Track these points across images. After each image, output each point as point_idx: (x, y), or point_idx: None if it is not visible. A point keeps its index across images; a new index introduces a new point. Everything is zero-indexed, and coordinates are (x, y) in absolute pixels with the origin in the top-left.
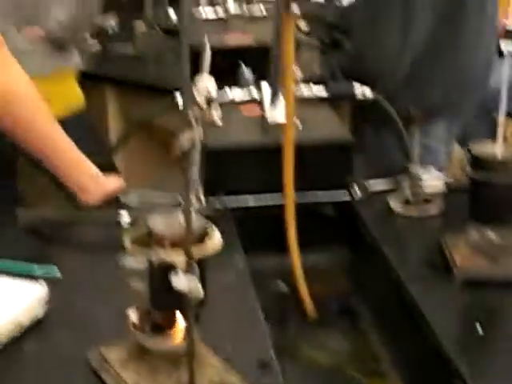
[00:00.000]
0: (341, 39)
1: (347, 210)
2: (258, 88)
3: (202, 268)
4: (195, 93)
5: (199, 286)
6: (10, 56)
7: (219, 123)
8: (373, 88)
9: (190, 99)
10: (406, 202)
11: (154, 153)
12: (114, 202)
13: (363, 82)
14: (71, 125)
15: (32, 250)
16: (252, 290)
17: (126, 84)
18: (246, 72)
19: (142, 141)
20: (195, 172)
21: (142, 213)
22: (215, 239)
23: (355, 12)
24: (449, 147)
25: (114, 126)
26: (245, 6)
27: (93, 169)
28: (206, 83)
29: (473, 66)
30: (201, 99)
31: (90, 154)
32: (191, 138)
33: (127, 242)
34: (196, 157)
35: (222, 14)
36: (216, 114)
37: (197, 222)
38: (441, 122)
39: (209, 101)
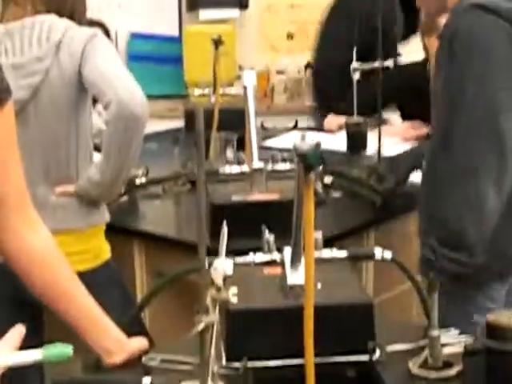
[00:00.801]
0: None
1: (367, 371)
2: (280, 250)
3: None
4: (212, 273)
5: None
6: (36, 216)
7: (234, 301)
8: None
9: (206, 280)
10: (425, 364)
11: (182, 307)
12: (137, 363)
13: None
14: (99, 276)
15: None
16: None
17: (154, 237)
18: (269, 238)
19: (170, 295)
20: (212, 353)
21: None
22: None
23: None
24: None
25: (141, 278)
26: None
27: (116, 332)
28: (223, 264)
29: None
30: (218, 280)
31: (116, 310)
32: (208, 322)
33: None
34: (212, 340)
35: (246, 168)
36: (231, 293)
37: None
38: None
39: (225, 278)
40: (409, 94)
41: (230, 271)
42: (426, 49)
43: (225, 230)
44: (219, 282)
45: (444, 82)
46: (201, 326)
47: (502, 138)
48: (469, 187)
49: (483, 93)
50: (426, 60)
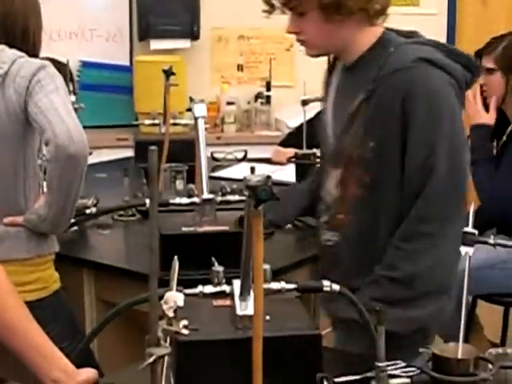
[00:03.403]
0: None
1: None
2: (229, 282)
3: None
4: (163, 305)
5: None
6: None
7: (185, 333)
8: None
9: (155, 316)
10: None
11: (130, 337)
12: None
13: None
14: (48, 307)
15: None
16: None
17: (103, 267)
18: (218, 270)
19: (119, 325)
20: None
21: None
22: None
23: None
24: None
25: (90, 308)
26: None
27: (65, 362)
28: (174, 296)
29: None
30: (169, 312)
31: (64, 340)
32: (160, 354)
33: None
34: (163, 372)
35: (195, 199)
36: (181, 325)
37: None
38: None
39: (175, 311)
40: None
41: (181, 303)
42: None
43: (176, 262)
44: (170, 314)
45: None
46: (152, 358)
47: None
48: None
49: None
50: None
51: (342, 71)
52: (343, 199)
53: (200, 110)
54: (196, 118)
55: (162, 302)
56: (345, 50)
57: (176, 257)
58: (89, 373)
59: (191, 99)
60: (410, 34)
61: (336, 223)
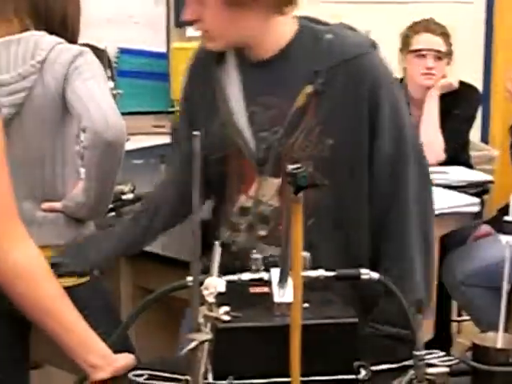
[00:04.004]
0: None
1: None
2: (267, 270)
3: None
4: (204, 291)
5: None
6: (24, 232)
7: (226, 318)
8: None
9: (196, 302)
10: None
11: (167, 323)
12: (124, 379)
13: None
14: (85, 292)
15: None
16: None
17: (140, 253)
18: (257, 258)
19: (156, 312)
20: (202, 369)
21: None
22: None
23: None
24: None
25: (126, 294)
26: None
27: (102, 347)
28: (215, 282)
29: None
30: (209, 298)
31: (102, 326)
32: (201, 340)
33: None
34: (203, 358)
35: None
36: (222, 311)
37: None
38: None
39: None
40: None
41: (222, 289)
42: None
43: (217, 247)
44: (211, 299)
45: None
46: (194, 344)
47: None
48: None
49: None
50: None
51: (245, 68)
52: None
53: None
54: None
55: (203, 287)
56: (255, 43)
57: (217, 242)
58: (127, 358)
59: None
60: (320, 20)
61: (278, 235)
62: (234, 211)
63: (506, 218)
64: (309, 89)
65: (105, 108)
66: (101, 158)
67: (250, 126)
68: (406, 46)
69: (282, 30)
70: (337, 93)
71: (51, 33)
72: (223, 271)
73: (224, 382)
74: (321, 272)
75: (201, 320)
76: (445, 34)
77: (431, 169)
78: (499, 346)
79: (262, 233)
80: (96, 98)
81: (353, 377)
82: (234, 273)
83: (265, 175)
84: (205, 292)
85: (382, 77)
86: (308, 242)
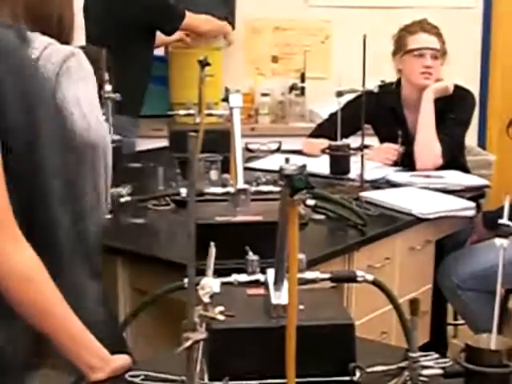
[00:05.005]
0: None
1: None
2: (263, 272)
3: None
4: (200, 291)
5: None
6: (21, 235)
7: (221, 318)
8: None
9: (192, 301)
10: None
11: (163, 325)
12: (121, 380)
13: None
14: None
15: None
16: None
17: (137, 255)
18: (253, 260)
19: (152, 313)
20: (197, 369)
21: None
22: None
23: None
24: None
25: (124, 296)
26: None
27: (100, 348)
28: (210, 283)
29: None
30: (205, 298)
31: (99, 327)
32: (196, 339)
33: None
34: (198, 358)
35: (230, 189)
36: (217, 311)
37: None
38: None
39: (212, 297)
40: (384, 113)
41: (217, 289)
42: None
43: (212, 248)
44: (206, 299)
45: None
46: (189, 343)
47: None
48: None
49: None
50: (398, 80)
51: None
52: None
53: (236, 100)
54: (231, 108)
55: (198, 287)
56: None
57: (213, 243)
58: (123, 359)
59: (227, 89)
60: None
61: None
62: None
63: (501, 221)
64: None
65: (87, 114)
66: (83, 158)
67: None
68: (400, 47)
69: None
70: None
71: (44, 34)
72: None
73: (219, 382)
74: (317, 274)
75: (196, 320)
76: (439, 34)
77: (428, 173)
78: (492, 347)
79: None
80: (81, 99)
81: (347, 378)
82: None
83: None
84: (200, 292)
85: None
86: None
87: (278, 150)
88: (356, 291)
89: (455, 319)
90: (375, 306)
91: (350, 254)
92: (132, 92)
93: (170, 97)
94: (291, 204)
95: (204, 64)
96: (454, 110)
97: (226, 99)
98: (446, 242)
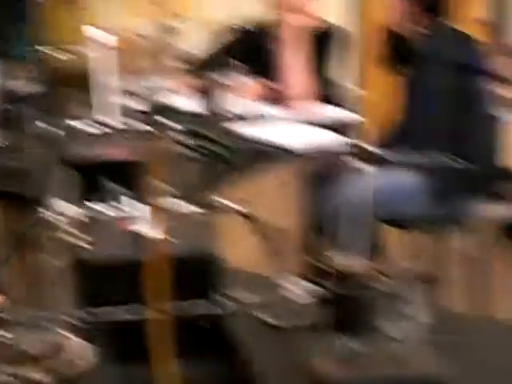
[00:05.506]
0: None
1: (220, 322)
2: (128, 204)
3: None
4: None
5: None
6: None
7: (88, 247)
8: None
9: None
10: (277, 315)
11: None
12: None
13: None
14: None
15: None
16: None
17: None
18: (113, 188)
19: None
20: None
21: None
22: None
23: None
24: None
25: None
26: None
27: None
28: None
29: None
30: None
31: None
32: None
33: None
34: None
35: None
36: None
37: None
38: None
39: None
40: (255, 50)
41: (80, 216)
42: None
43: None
44: (68, 228)
45: None
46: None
47: None
48: None
49: None
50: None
51: None
52: None
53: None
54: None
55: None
56: None
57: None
58: None
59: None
60: None
61: None
62: None
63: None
64: None
65: None
66: None
67: None
68: None
69: None
70: None
71: None
72: None
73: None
74: (185, 206)
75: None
76: None
77: (300, 108)
78: (356, 269)
79: None
80: None
81: (220, 310)
82: None
83: None
84: (59, 218)
85: None
86: None
87: None
88: (227, 225)
89: None
90: (246, 237)
91: (222, 189)
92: None
93: None
94: (158, 139)
95: None
96: (325, 45)
97: None
98: (318, 175)
